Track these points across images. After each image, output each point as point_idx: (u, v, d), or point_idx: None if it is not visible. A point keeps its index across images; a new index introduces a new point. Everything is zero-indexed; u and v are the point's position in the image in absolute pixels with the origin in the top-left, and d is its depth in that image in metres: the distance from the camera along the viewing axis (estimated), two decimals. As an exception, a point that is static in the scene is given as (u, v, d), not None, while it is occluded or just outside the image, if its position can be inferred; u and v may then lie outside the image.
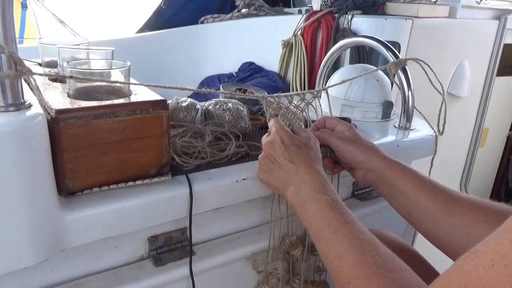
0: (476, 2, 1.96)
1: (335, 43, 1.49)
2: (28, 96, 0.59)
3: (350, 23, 1.70)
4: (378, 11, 1.72)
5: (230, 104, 0.96)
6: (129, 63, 0.70)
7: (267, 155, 0.71)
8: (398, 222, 0.85)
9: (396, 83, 1.03)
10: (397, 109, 1.17)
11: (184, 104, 0.93)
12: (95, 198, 0.64)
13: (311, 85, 1.86)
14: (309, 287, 0.84)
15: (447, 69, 1.85)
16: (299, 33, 1.90)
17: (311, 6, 1.91)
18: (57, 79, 0.77)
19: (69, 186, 0.63)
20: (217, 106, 0.95)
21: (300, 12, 2.02)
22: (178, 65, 2.30)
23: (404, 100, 1.07)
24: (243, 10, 2.29)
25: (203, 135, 0.87)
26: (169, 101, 0.87)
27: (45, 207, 0.57)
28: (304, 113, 0.83)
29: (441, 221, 0.64)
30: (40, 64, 0.90)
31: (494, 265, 0.34)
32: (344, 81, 0.90)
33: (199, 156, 0.79)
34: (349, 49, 1.65)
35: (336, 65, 1.66)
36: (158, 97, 0.68)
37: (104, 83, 0.68)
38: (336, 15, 1.75)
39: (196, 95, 1.63)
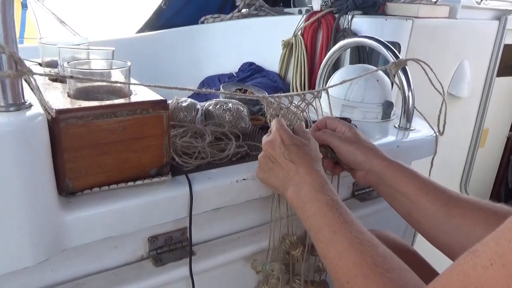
0: (476, 2, 1.96)
1: (335, 43, 1.49)
2: (29, 96, 0.59)
3: (350, 24, 1.70)
4: (378, 11, 1.72)
5: (230, 104, 0.96)
6: (129, 63, 0.70)
7: (267, 155, 0.71)
8: (398, 223, 0.85)
9: (396, 84, 1.03)
10: (397, 110, 1.18)
11: (184, 104, 0.93)
12: (95, 198, 0.64)
13: (311, 85, 1.86)
14: (309, 287, 0.84)
15: (447, 70, 1.85)
16: (299, 33, 1.90)
17: (311, 6, 1.91)
18: (58, 79, 0.77)
19: (69, 186, 0.63)
20: (217, 106, 0.95)
21: (300, 12, 2.02)
22: (178, 65, 2.30)
23: (404, 101, 1.07)
24: (244, 10, 2.29)
25: (203, 135, 0.87)
26: (169, 101, 0.87)
27: (45, 207, 0.57)
28: (305, 113, 0.83)
29: (441, 222, 0.64)
30: (40, 64, 0.90)
31: (493, 264, 0.35)
32: (344, 81, 0.90)
33: (199, 156, 0.80)
34: (349, 49, 1.65)
35: (336, 66, 1.66)
36: (159, 97, 0.68)
37: (104, 83, 0.68)
38: (336, 15, 1.75)
39: (196, 95, 1.63)
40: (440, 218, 0.64)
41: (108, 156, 0.64)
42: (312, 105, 0.84)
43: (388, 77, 1.08)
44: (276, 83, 1.98)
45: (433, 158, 0.96)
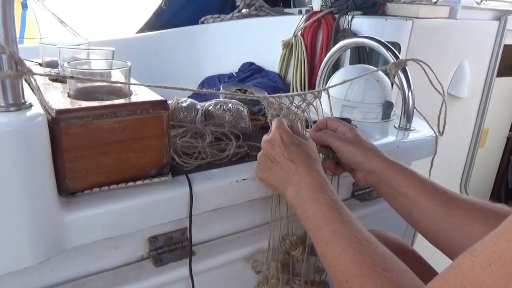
0: (477, 2, 1.96)
1: (335, 43, 1.49)
2: (29, 96, 0.59)
3: (351, 24, 1.70)
4: (378, 11, 1.72)
5: (230, 105, 0.96)
6: (129, 63, 0.70)
7: (266, 154, 0.71)
8: (398, 223, 0.85)
9: (396, 84, 1.03)
10: (397, 110, 1.18)
11: (184, 104, 0.93)
12: (95, 198, 0.64)
13: (311, 86, 1.86)
14: (309, 288, 0.84)
15: (447, 70, 1.85)
16: (299, 33, 1.90)
17: (312, 7, 1.91)
18: (58, 79, 0.77)
19: (69, 186, 0.63)
20: (218, 106, 0.95)
21: (300, 12, 2.02)
22: (179, 65, 2.30)
23: (404, 101, 1.07)
24: (244, 11, 2.29)
25: (203, 136, 0.87)
26: (169, 101, 0.87)
27: (45, 207, 0.57)
28: (305, 113, 0.83)
29: (441, 222, 0.64)
30: (40, 64, 0.90)
31: (491, 264, 0.35)
32: (344, 82, 0.90)
33: (199, 156, 0.80)
34: (349, 49, 1.66)
35: (336, 66, 1.66)
36: (159, 97, 0.68)
37: (104, 83, 0.68)
38: (337, 16, 1.76)
39: (196, 95, 1.63)
40: (440, 218, 0.64)
41: (108, 156, 0.64)
42: (313, 105, 0.84)
43: (388, 77, 1.08)
44: (276, 83, 1.98)
45: (433, 158, 0.96)
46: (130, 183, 0.67)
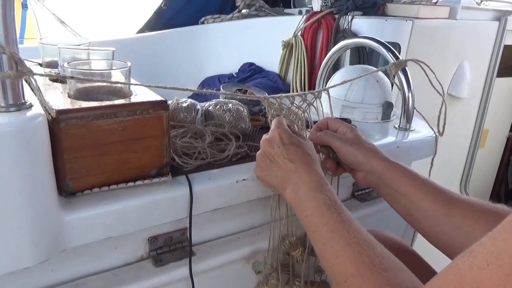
0: (476, 3, 1.96)
1: (335, 44, 1.49)
2: (29, 96, 0.59)
3: (351, 24, 1.70)
4: (378, 12, 1.72)
5: (230, 105, 0.96)
6: (129, 64, 0.70)
7: (265, 153, 0.71)
8: (397, 223, 0.85)
9: (396, 84, 1.03)
10: (397, 110, 1.18)
11: (184, 104, 0.93)
12: (95, 198, 0.64)
13: (311, 86, 1.86)
14: (309, 288, 0.84)
15: (447, 70, 1.85)
16: (299, 33, 1.90)
17: (312, 7, 1.91)
18: (58, 79, 0.77)
19: (69, 186, 0.63)
20: (217, 106, 0.95)
21: (300, 12, 2.02)
22: (179, 66, 2.30)
23: (404, 101, 1.07)
24: (244, 11, 2.29)
25: (203, 136, 0.87)
26: (169, 102, 0.87)
27: (45, 207, 0.57)
28: (306, 114, 0.83)
29: (441, 222, 0.64)
30: (40, 65, 0.90)
31: (489, 265, 0.35)
32: (344, 82, 0.90)
33: (199, 156, 0.80)
34: (349, 50, 1.66)
35: (336, 66, 1.66)
36: (159, 98, 0.68)
37: (104, 84, 0.68)
38: (337, 16, 1.76)
39: (196, 96, 1.63)
40: (440, 218, 0.64)
41: (108, 156, 0.64)
42: (313, 106, 0.84)
43: (388, 77, 1.08)
44: (276, 84, 1.98)
45: (433, 159, 0.96)
46: (130, 183, 0.68)
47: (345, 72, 1.22)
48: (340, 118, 1.02)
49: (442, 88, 0.88)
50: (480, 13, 1.91)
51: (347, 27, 1.71)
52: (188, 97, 1.01)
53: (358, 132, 0.79)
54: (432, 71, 0.87)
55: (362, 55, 1.67)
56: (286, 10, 2.22)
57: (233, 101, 0.99)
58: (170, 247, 0.76)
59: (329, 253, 0.56)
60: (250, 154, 0.85)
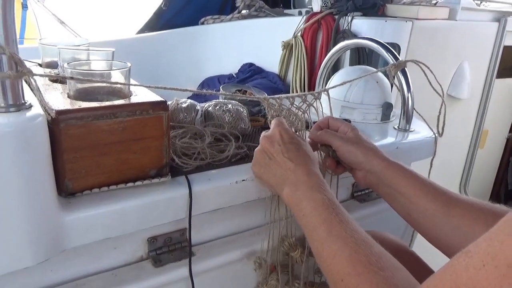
0: (476, 4, 1.96)
1: (335, 44, 1.49)
2: (29, 96, 0.59)
3: (350, 25, 1.70)
4: (378, 13, 1.73)
5: (230, 105, 0.96)
6: (129, 64, 0.70)
7: (264, 150, 0.71)
8: (397, 224, 0.85)
9: (396, 85, 1.03)
10: (396, 111, 1.18)
11: (184, 105, 0.93)
12: (95, 199, 0.64)
13: (311, 87, 1.86)
14: (308, 289, 0.84)
15: (447, 71, 1.85)
16: (299, 34, 1.90)
17: (311, 8, 1.91)
18: (58, 80, 0.77)
19: (69, 186, 0.63)
20: (217, 107, 0.95)
21: (300, 13, 2.02)
22: (178, 66, 2.30)
23: (404, 102, 1.07)
24: (244, 11, 2.29)
25: (203, 136, 0.87)
26: (169, 102, 0.87)
27: (45, 208, 0.57)
28: (306, 114, 0.83)
29: (441, 222, 0.64)
30: (40, 65, 0.90)
31: (485, 265, 0.35)
32: (344, 83, 0.90)
33: (198, 157, 0.80)
34: (349, 50, 1.66)
35: (336, 67, 1.66)
36: (158, 98, 0.68)
37: (104, 84, 0.68)
38: (336, 17, 1.76)
39: (196, 96, 1.63)
40: (440, 218, 0.64)
41: (108, 157, 0.64)
42: (313, 106, 0.84)
43: (388, 78, 1.08)
44: (276, 84, 1.98)
45: (432, 160, 0.96)
46: (130, 184, 0.68)
47: (345, 72, 1.22)
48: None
49: (441, 89, 0.88)
50: (480, 14, 1.91)
51: (347, 27, 1.71)
52: (188, 98, 1.01)
53: (359, 132, 0.79)
54: (431, 72, 0.87)
55: (361, 55, 1.67)
56: (286, 11, 2.22)
57: (233, 101, 0.99)
58: (170, 248, 0.76)
59: (326, 252, 0.56)
60: (250, 154, 0.85)
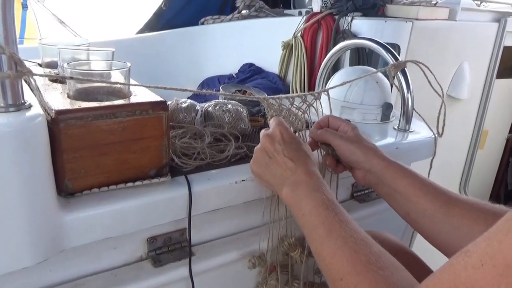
0: (476, 4, 1.96)
1: (335, 44, 1.49)
2: (28, 96, 0.59)
3: (350, 25, 1.71)
4: (378, 13, 1.73)
5: (229, 106, 0.96)
6: (129, 64, 0.70)
7: (265, 148, 0.71)
8: (396, 224, 0.85)
9: (396, 85, 1.03)
10: (396, 111, 1.18)
11: (184, 105, 0.93)
12: (95, 198, 0.64)
13: (311, 87, 1.86)
14: (308, 289, 0.84)
15: (447, 71, 1.85)
16: (299, 34, 1.90)
17: (311, 8, 1.91)
18: (57, 79, 0.77)
19: (68, 186, 0.63)
20: (217, 107, 0.95)
21: (300, 13, 2.02)
22: (178, 66, 2.30)
23: (404, 102, 1.07)
24: (243, 12, 2.29)
25: (202, 136, 0.87)
26: (169, 102, 0.87)
27: (44, 208, 0.57)
28: (306, 114, 0.83)
29: (440, 222, 0.64)
30: (40, 65, 0.91)
31: (484, 265, 0.35)
32: (344, 83, 0.90)
33: (198, 157, 0.80)
34: (349, 51, 1.66)
35: (336, 67, 1.67)
36: (158, 98, 0.68)
37: (104, 84, 0.68)
38: (336, 17, 1.76)
39: (196, 96, 1.63)
40: (439, 218, 0.64)
41: (108, 157, 0.64)
42: (313, 107, 0.84)
43: (388, 78, 1.08)
44: (276, 84, 1.98)
45: (432, 160, 0.96)
46: (129, 184, 0.68)
47: (345, 73, 1.22)
48: (339, 119, 1.02)
49: (441, 89, 0.88)
50: (479, 14, 1.91)
51: (347, 28, 1.71)
52: (188, 98, 1.01)
53: (359, 131, 0.79)
54: (431, 72, 0.87)
55: (361, 56, 1.67)
56: (286, 11, 2.22)
57: (233, 101, 0.99)
58: (169, 248, 0.76)
59: (326, 251, 0.56)
60: (250, 154, 0.85)
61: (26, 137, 0.53)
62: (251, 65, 2.18)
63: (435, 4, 1.81)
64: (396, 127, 1.11)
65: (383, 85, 1.16)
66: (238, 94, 1.14)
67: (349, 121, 1.11)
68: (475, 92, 2.03)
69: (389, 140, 1.06)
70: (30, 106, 0.56)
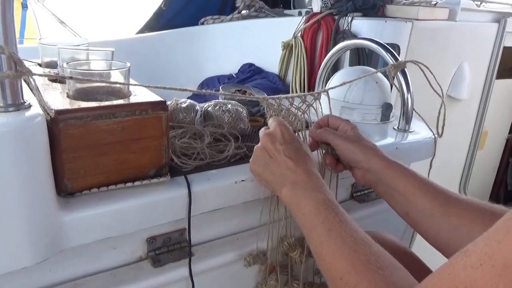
0: (476, 5, 1.96)
1: (335, 45, 1.49)
2: (28, 96, 0.59)
3: (350, 25, 1.70)
4: (378, 13, 1.73)
5: (229, 106, 0.96)
6: (128, 64, 0.70)
7: (266, 147, 0.71)
8: (396, 224, 0.85)
9: (396, 85, 1.03)
10: (396, 111, 1.18)
11: (183, 105, 0.93)
12: (94, 198, 0.64)
13: (311, 87, 1.86)
14: (308, 289, 0.84)
15: (446, 72, 1.85)
16: (299, 34, 1.90)
17: (311, 8, 1.91)
18: (57, 79, 0.77)
19: (68, 186, 0.63)
20: (217, 107, 0.95)
21: (300, 13, 2.02)
22: (178, 66, 2.30)
23: (404, 102, 1.07)
24: (243, 12, 2.29)
25: (202, 136, 0.87)
26: (168, 102, 0.87)
27: (44, 208, 0.57)
28: (305, 115, 0.83)
29: (439, 222, 0.64)
30: (40, 65, 0.90)
31: (482, 265, 0.35)
32: (344, 83, 0.90)
33: (198, 157, 0.80)
34: (348, 51, 1.66)
35: (335, 67, 1.66)
36: (158, 98, 0.68)
37: (103, 84, 0.68)
38: (336, 17, 1.76)
39: (196, 96, 1.63)
40: (438, 218, 0.64)
41: (107, 156, 0.64)
42: (313, 107, 0.84)
43: (388, 79, 1.08)
44: (276, 85, 1.98)
45: (432, 160, 0.96)
46: (129, 184, 0.68)
47: (345, 73, 1.22)
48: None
49: (441, 89, 0.88)
50: (479, 14, 1.91)
51: (346, 28, 1.71)
52: (188, 98, 1.01)
53: (359, 130, 0.79)
54: (431, 72, 0.87)
55: (361, 56, 1.67)
56: (286, 11, 2.22)
57: (232, 101, 0.99)
58: (169, 248, 0.76)
59: (326, 251, 0.56)
60: (249, 154, 0.85)
61: (25, 137, 0.53)
62: (251, 65, 2.18)
63: (435, 5, 1.81)
64: (396, 127, 1.11)
65: (383, 85, 1.16)
66: (237, 94, 1.14)
67: (349, 121, 1.11)
68: (475, 93, 2.03)
69: (389, 140, 1.06)
70: (29, 106, 0.56)
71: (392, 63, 0.98)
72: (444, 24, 1.73)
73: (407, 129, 1.09)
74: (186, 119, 0.92)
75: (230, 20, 2.29)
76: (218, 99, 1.03)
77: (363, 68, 1.31)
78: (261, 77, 2.07)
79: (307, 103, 0.83)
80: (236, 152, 0.84)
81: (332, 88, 0.90)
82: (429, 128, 0.99)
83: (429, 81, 0.87)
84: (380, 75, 1.17)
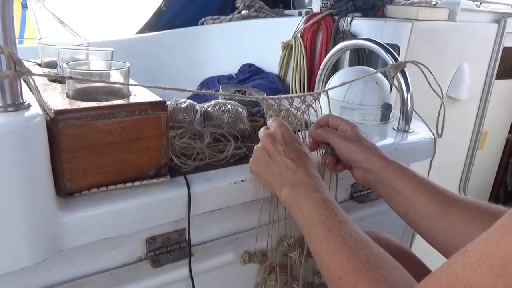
0: (476, 5, 1.96)
1: (334, 45, 1.49)
2: (27, 96, 0.59)
3: (350, 26, 1.71)
4: (378, 13, 1.73)
5: (229, 106, 0.96)
6: (128, 64, 0.70)
7: (266, 148, 0.71)
8: (396, 225, 0.85)
9: (395, 86, 1.03)
10: (396, 112, 1.18)
11: (183, 105, 0.93)
12: (94, 199, 0.64)
13: (311, 87, 1.86)
14: (307, 289, 0.84)
15: (446, 72, 1.85)
16: (299, 35, 1.90)
17: (311, 8, 1.91)
18: (57, 79, 0.77)
19: (67, 186, 0.63)
20: (216, 107, 0.95)
21: (300, 14, 2.02)
22: (178, 66, 2.30)
23: (403, 103, 1.07)
24: (243, 12, 2.29)
25: (202, 137, 0.87)
26: (168, 102, 0.87)
27: (43, 208, 0.57)
28: (305, 115, 0.83)
29: (437, 221, 0.64)
30: (39, 65, 0.90)
31: (481, 265, 0.35)
32: (343, 84, 0.90)
33: (197, 157, 0.80)
34: (348, 51, 1.66)
35: (335, 67, 1.67)
36: (157, 98, 0.68)
37: (103, 84, 0.68)
38: (336, 18, 1.76)
39: (196, 96, 1.63)
40: (437, 217, 0.65)
41: (107, 157, 0.64)
42: (312, 107, 0.84)
43: (387, 79, 1.08)
44: (276, 85, 1.98)
45: (431, 161, 0.96)
46: (128, 184, 0.67)
47: (344, 73, 1.22)
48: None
49: (441, 89, 0.88)
50: (479, 15, 1.91)
51: (346, 28, 1.71)
52: (187, 98, 1.01)
53: (359, 130, 0.79)
54: (431, 72, 0.87)
55: (361, 56, 1.67)
56: (286, 11, 2.22)
57: (232, 102, 0.99)
58: (168, 248, 0.76)
59: (325, 250, 0.56)
60: (249, 155, 0.85)
61: (25, 137, 0.53)
62: (250, 65, 2.18)
63: (434, 5, 1.82)
64: (395, 128, 1.11)
65: (383, 85, 1.16)
66: (237, 95, 1.14)
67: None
68: (474, 93, 2.03)
69: (389, 140, 1.06)
70: (29, 106, 0.56)
71: (391, 63, 0.98)
72: (444, 25, 1.73)
73: (406, 129, 1.09)
74: (185, 119, 0.92)
75: (230, 20, 2.29)
76: (217, 99, 1.03)
77: (363, 68, 1.31)
78: (261, 77, 2.07)
79: (306, 103, 0.83)
80: (235, 152, 0.84)
81: (332, 88, 0.90)
82: (429, 129, 0.99)
83: (428, 82, 0.87)
84: (379, 75, 1.17)
